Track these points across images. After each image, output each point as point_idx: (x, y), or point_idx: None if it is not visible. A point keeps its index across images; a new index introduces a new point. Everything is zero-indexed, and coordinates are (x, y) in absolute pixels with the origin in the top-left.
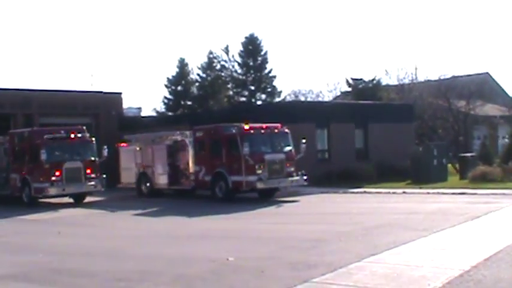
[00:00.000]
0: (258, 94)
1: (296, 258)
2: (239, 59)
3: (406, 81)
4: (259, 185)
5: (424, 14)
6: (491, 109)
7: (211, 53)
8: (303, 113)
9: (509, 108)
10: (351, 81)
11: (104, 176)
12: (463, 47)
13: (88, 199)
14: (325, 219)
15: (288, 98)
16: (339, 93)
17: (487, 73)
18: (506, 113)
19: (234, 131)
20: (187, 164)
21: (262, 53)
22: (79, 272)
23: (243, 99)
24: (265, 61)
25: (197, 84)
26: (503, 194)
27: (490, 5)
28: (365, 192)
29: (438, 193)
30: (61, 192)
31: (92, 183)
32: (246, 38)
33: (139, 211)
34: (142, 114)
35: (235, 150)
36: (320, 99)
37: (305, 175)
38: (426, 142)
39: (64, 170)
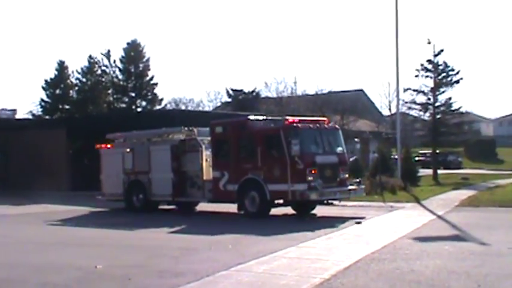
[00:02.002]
0: (139, 101)
1: (165, 267)
2: (120, 65)
3: (285, 94)
4: (313, 196)
5: (307, 30)
6: (363, 125)
7: (92, 57)
8: (183, 122)
9: (378, 125)
10: (231, 92)
11: None
12: (340, 64)
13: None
14: (196, 228)
15: (169, 106)
16: (219, 104)
17: (362, 90)
18: (375, 128)
19: (273, 124)
20: (200, 169)
21: (145, 59)
22: None
23: (123, 105)
24: (147, 68)
25: (76, 88)
26: (370, 206)
27: (366, 27)
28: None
29: None
30: None
31: None
32: (128, 43)
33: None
34: (17, 116)
35: (276, 149)
36: (201, 108)
37: (361, 183)
38: None
39: None
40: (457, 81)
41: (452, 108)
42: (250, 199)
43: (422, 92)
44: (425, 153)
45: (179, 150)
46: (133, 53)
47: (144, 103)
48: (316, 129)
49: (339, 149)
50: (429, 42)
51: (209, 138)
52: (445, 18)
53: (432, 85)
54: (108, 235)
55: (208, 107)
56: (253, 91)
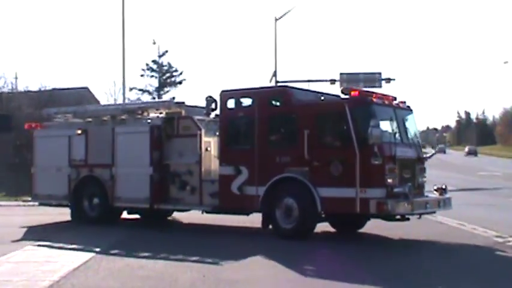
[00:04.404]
0: None
1: None
2: None
3: (5, 90)
4: (400, 209)
5: (25, 23)
6: None
7: None
8: None
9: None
10: None
11: None
12: (65, 61)
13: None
14: None
15: None
16: None
17: (86, 88)
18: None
19: (332, 101)
20: (198, 162)
21: None
22: None
23: None
24: None
25: None
26: None
27: (92, 24)
28: None
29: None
30: None
31: None
32: None
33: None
34: None
35: (336, 135)
36: None
37: (446, 191)
38: (24, 153)
39: None
40: (180, 82)
41: None
42: (284, 209)
43: (148, 91)
44: None
45: (162, 134)
46: None
47: None
48: (392, 109)
49: (416, 139)
50: (154, 43)
51: (203, 119)
52: (170, 20)
53: (157, 85)
54: None
55: None
56: None
